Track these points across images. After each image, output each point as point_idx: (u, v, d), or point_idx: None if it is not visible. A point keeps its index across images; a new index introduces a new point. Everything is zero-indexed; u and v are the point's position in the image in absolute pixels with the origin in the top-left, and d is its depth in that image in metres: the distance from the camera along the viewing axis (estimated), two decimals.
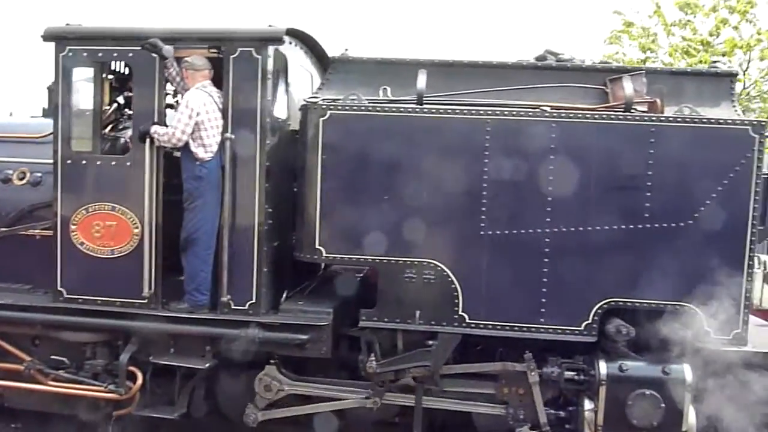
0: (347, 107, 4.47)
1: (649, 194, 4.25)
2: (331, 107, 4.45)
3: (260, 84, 4.49)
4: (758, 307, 4.69)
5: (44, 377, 4.82)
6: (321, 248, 4.52)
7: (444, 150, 4.42)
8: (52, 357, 4.87)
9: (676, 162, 4.26)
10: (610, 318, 4.36)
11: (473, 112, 4.37)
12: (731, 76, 4.71)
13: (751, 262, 4.25)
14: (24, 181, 4.97)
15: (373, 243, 4.46)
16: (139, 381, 4.70)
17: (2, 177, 5.03)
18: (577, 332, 4.37)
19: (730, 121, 4.22)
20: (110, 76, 4.99)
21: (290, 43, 5.01)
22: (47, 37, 4.62)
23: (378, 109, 4.47)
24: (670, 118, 4.28)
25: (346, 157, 4.48)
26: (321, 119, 4.43)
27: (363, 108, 4.47)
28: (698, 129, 4.25)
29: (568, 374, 4.45)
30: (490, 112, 4.35)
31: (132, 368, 4.71)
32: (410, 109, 4.43)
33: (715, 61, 4.82)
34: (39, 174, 4.92)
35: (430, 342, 4.48)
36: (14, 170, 5.02)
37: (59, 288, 4.72)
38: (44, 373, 4.81)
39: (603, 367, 4.32)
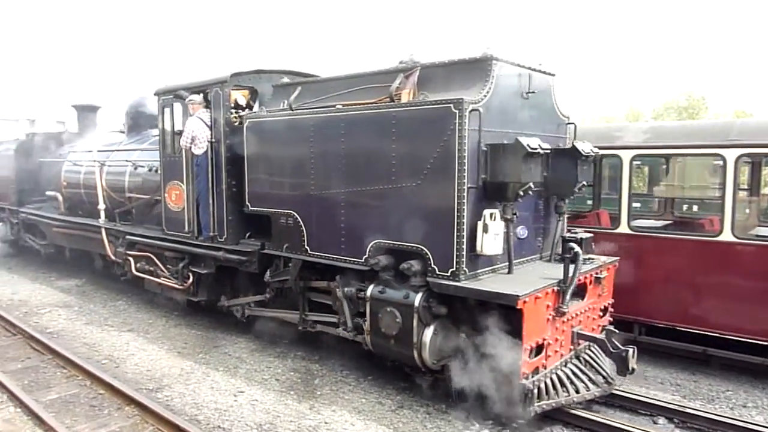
0: (255, 117, 7.19)
1: (394, 162, 5.70)
2: (249, 117, 7.25)
3: (222, 109, 7.61)
4: (480, 252, 5.34)
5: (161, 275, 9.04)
6: (249, 204, 7.37)
7: (297, 140, 6.70)
8: (168, 266, 9.04)
9: (409, 137, 5.59)
10: (383, 254, 5.94)
11: (305, 113, 6.56)
12: (487, 61, 5.55)
13: (461, 213, 5.25)
14: (159, 172, 9.26)
15: (266, 200, 7.11)
16: (190, 280, 8.43)
17: (154, 169, 9.46)
18: (360, 263, 6.11)
19: (439, 101, 5.33)
20: None
21: (260, 78, 7.99)
22: (154, 93, 8.76)
23: (270, 116, 7.06)
24: (404, 105, 5.64)
25: (255, 149, 7.20)
26: (245, 126, 7.29)
27: (262, 116, 7.12)
28: (419, 111, 5.48)
29: (359, 294, 6.21)
30: (312, 113, 6.47)
31: (190, 273, 8.48)
32: (283, 115, 6.89)
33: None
34: None
35: (290, 264, 6.88)
36: (156, 166, 9.36)
37: (163, 227, 8.83)
38: (161, 273, 9.03)
39: (369, 290, 5.98)
